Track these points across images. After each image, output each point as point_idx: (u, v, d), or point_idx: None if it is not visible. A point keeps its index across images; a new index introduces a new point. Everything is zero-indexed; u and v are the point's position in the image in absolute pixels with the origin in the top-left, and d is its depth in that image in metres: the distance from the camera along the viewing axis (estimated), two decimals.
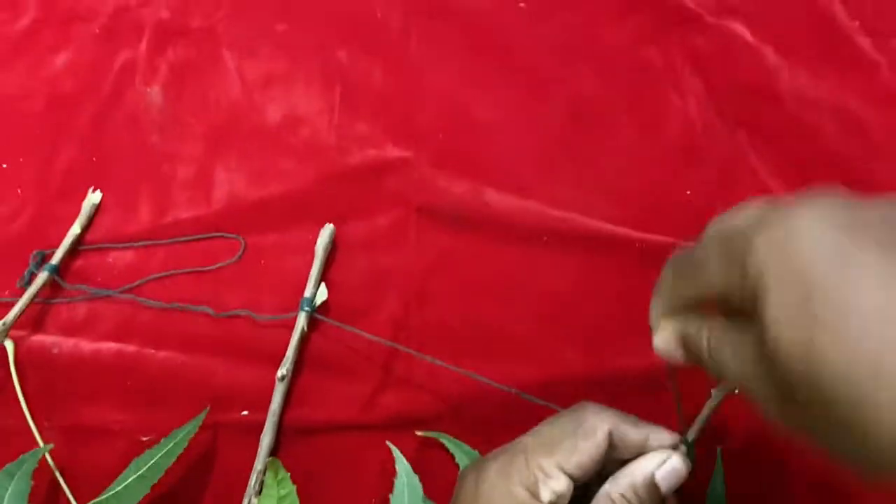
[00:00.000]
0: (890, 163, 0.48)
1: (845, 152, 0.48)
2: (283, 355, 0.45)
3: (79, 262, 0.49)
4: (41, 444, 0.44)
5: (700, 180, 0.48)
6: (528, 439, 0.35)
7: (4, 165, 0.52)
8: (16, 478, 0.40)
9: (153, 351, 0.46)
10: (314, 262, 0.47)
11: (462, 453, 0.43)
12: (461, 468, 0.42)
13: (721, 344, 0.29)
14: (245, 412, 0.45)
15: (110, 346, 0.47)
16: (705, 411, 0.35)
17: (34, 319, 0.47)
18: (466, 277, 0.47)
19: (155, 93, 0.53)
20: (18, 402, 0.45)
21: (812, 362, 0.23)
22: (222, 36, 0.55)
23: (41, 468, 0.43)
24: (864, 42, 0.51)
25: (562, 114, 0.51)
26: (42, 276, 0.47)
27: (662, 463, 0.34)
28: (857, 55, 0.51)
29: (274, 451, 0.43)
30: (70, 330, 0.47)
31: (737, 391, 0.35)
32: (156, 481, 0.39)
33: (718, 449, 0.42)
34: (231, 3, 0.56)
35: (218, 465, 0.44)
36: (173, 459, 0.40)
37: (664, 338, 0.33)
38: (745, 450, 0.43)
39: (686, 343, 0.32)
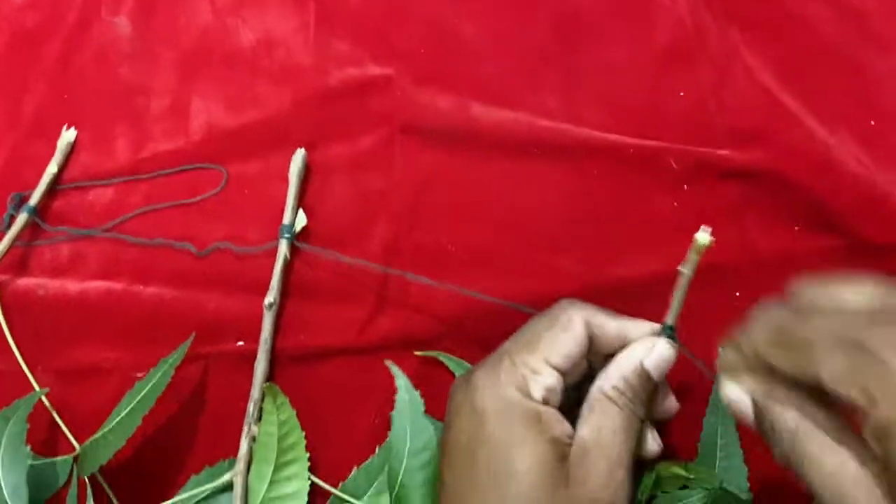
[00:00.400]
0: (889, 54, 0.46)
1: (842, 43, 0.47)
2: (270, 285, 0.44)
3: (58, 203, 0.48)
4: (36, 387, 0.43)
5: (693, 81, 0.47)
6: (509, 343, 0.35)
7: None
8: (11, 422, 0.39)
9: (141, 287, 0.45)
10: (289, 189, 0.46)
11: (462, 370, 0.42)
12: None
13: (812, 443, 0.27)
14: (240, 342, 0.44)
15: (97, 284, 0.46)
16: (678, 293, 0.35)
17: (17, 263, 0.46)
18: (456, 195, 0.46)
19: (122, 23, 0.51)
20: (9, 346, 0.44)
21: None
22: None
23: (39, 410, 0.43)
24: None
25: (547, 21, 0.49)
26: (22, 218, 0.46)
27: (650, 351, 0.34)
28: None
29: (270, 380, 0.43)
30: (55, 271, 0.46)
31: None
32: (146, 412, 0.39)
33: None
34: None
35: (214, 397, 0.44)
36: (162, 389, 0.39)
37: (737, 394, 0.30)
38: None
39: (759, 412, 0.29)
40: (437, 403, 0.41)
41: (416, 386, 0.42)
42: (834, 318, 0.27)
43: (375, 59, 0.49)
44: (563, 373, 0.34)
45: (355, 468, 0.42)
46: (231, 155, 0.48)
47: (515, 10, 0.49)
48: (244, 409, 0.42)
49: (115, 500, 0.41)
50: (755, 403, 0.29)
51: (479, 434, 0.33)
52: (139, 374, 0.43)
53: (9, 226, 0.46)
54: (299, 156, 0.46)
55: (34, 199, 0.46)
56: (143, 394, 0.40)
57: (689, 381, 0.40)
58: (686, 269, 0.35)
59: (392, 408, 0.42)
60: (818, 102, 0.45)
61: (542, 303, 0.41)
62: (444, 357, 0.43)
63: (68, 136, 0.48)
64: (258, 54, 0.50)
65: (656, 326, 0.35)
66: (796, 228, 0.44)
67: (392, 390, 0.43)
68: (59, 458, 0.42)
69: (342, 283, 0.45)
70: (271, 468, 0.40)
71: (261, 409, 0.41)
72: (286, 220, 0.45)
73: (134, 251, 0.46)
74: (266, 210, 0.46)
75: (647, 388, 0.34)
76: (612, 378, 0.34)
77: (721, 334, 0.42)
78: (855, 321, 0.26)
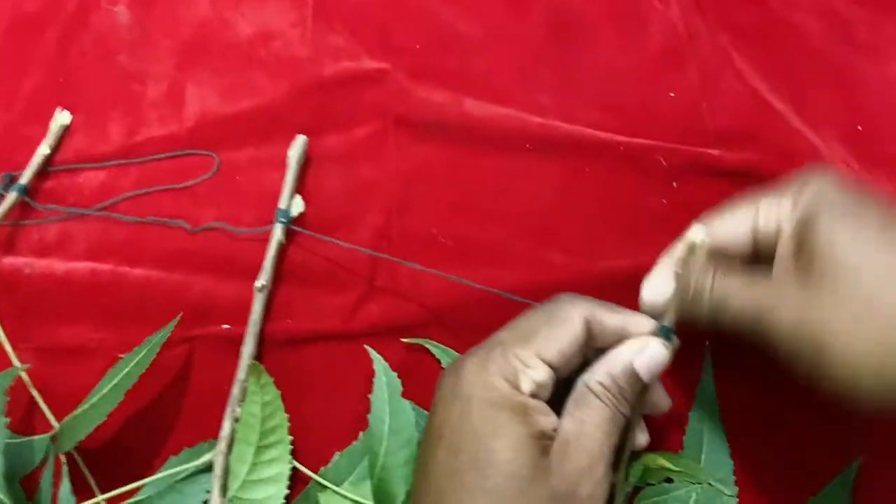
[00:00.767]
0: (875, 61, 0.47)
1: (830, 49, 0.48)
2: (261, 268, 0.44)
3: (49, 184, 0.47)
4: (17, 364, 0.43)
5: (683, 82, 0.47)
6: (503, 333, 0.35)
7: None
8: None
9: (128, 268, 0.45)
10: (287, 173, 0.45)
11: (448, 358, 0.42)
12: None
13: (727, 281, 0.33)
14: (226, 326, 0.44)
15: (84, 265, 0.45)
16: (675, 294, 0.35)
17: (4, 241, 0.46)
18: (447, 187, 0.46)
19: (121, 11, 0.52)
20: None
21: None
22: None
23: (19, 389, 0.42)
24: None
25: (542, 21, 0.50)
26: (11, 197, 0.46)
27: (641, 350, 0.34)
28: None
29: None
30: (42, 251, 0.46)
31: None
32: (128, 388, 0.38)
33: (707, 343, 0.41)
34: None
35: (199, 379, 0.44)
36: (146, 367, 0.39)
37: (660, 281, 0.36)
38: (734, 347, 0.42)
39: (681, 279, 0.35)
40: (424, 390, 0.41)
41: (403, 373, 0.42)
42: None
43: (371, 53, 0.49)
44: (555, 368, 0.34)
45: (337, 454, 0.41)
46: (224, 142, 0.48)
47: (511, 9, 0.50)
48: (228, 394, 0.41)
49: (90, 479, 0.41)
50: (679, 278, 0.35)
51: (464, 421, 0.33)
52: (122, 355, 0.43)
53: None
54: (300, 141, 0.46)
55: (24, 179, 0.46)
56: (124, 372, 0.40)
57: (677, 373, 0.40)
58: (682, 270, 0.35)
59: None
60: (806, 106, 0.46)
61: (529, 293, 0.42)
62: (430, 344, 0.42)
63: (62, 118, 0.48)
64: (255, 46, 0.50)
65: (654, 324, 0.35)
66: None
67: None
68: (36, 437, 0.41)
69: (331, 270, 0.45)
70: (253, 450, 0.40)
71: (244, 391, 0.41)
72: (282, 204, 0.45)
73: (122, 233, 0.46)
74: (257, 197, 0.46)
75: (635, 387, 0.34)
76: (598, 374, 0.34)
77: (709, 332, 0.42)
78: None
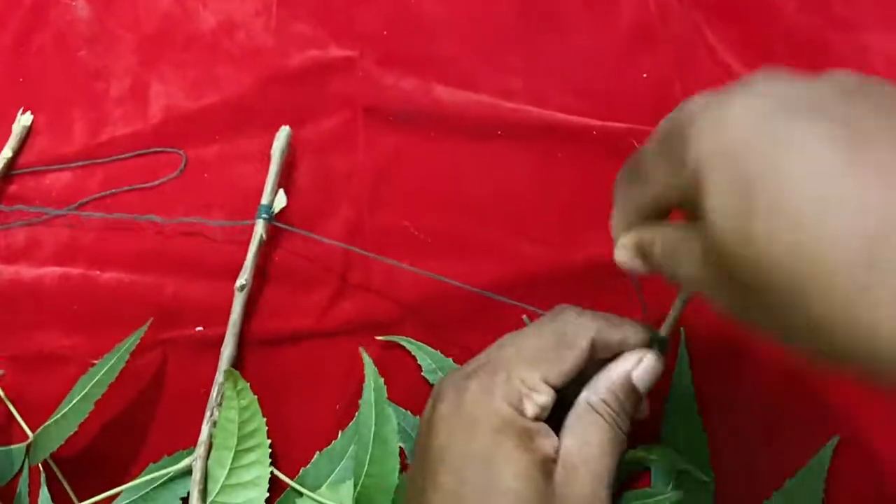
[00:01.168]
0: (850, 36, 0.47)
1: (805, 27, 0.47)
2: (235, 268, 0.43)
3: (13, 188, 0.47)
4: None
5: (656, 63, 0.47)
6: (509, 352, 0.34)
7: None
8: None
9: (98, 272, 0.44)
10: (271, 167, 0.44)
11: (424, 354, 0.42)
12: (424, 371, 0.41)
13: (671, 247, 0.28)
14: (199, 328, 0.43)
15: (53, 270, 0.45)
16: (676, 306, 0.34)
17: None
18: (419, 177, 0.46)
19: (80, 6, 0.50)
20: None
21: (751, 251, 0.22)
22: None
23: None
24: None
25: (510, 3, 0.49)
26: None
27: (637, 364, 0.33)
28: None
29: (235, 364, 0.42)
30: (9, 257, 0.45)
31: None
32: (99, 397, 0.38)
33: (682, 329, 0.41)
34: None
35: (174, 383, 0.43)
36: (116, 374, 0.38)
37: (622, 250, 0.32)
38: (709, 334, 0.42)
39: (643, 251, 0.31)
40: (400, 388, 0.41)
41: (378, 368, 0.41)
42: (664, 124, 0.29)
43: (338, 40, 0.48)
44: (557, 390, 0.33)
45: (317, 453, 0.41)
46: (191, 139, 0.47)
47: None
48: (205, 397, 0.41)
49: (68, 488, 0.40)
50: (638, 248, 0.31)
51: (469, 447, 0.32)
52: (95, 361, 0.42)
53: None
54: (283, 133, 0.45)
55: None
56: (96, 379, 0.39)
57: None
58: (682, 294, 0.34)
59: (354, 392, 0.42)
60: None
61: (505, 288, 0.41)
62: (405, 341, 0.42)
63: (24, 120, 0.47)
64: (219, 37, 0.49)
65: (648, 336, 0.34)
66: None
67: (354, 375, 0.42)
68: (13, 447, 0.41)
69: (304, 267, 0.44)
70: (231, 454, 0.39)
71: (223, 395, 0.40)
72: (265, 199, 0.44)
73: (91, 236, 0.45)
74: (227, 194, 0.46)
75: (633, 401, 0.34)
76: (600, 391, 0.33)
77: (687, 318, 0.42)
78: (676, 120, 0.27)
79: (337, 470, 0.41)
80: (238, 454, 0.39)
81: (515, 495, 0.31)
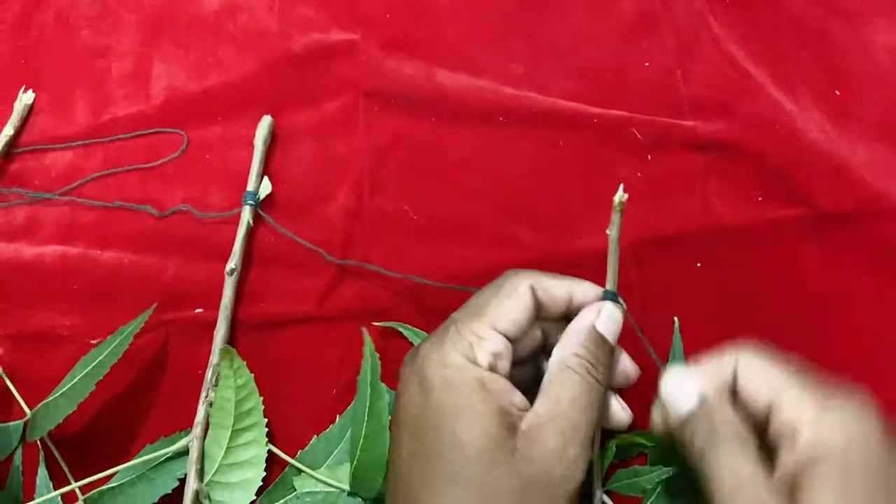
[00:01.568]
0: (854, 25, 0.46)
1: (809, 16, 0.47)
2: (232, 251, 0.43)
3: (14, 166, 0.46)
4: None
5: (659, 51, 0.46)
6: (456, 313, 0.34)
7: None
8: None
9: (98, 252, 0.45)
10: (254, 156, 0.45)
11: (420, 340, 0.42)
12: None
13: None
14: (199, 310, 0.44)
15: (53, 249, 0.45)
16: (611, 256, 0.35)
17: None
18: (419, 161, 0.45)
19: None
20: None
21: None
22: None
23: None
24: None
25: None
26: None
27: (598, 314, 0.34)
28: None
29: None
30: (10, 235, 0.45)
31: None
32: (101, 377, 0.38)
33: (675, 318, 0.41)
34: None
35: (172, 365, 0.43)
36: (119, 356, 0.39)
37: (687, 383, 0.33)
38: (705, 326, 0.42)
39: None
40: (396, 374, 0.41)
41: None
42: None
43: (340, 24, 0.48)
44: (510, 339, 0.33)
45: (315, 437, 0.41)
46: (193, 120, 0.47)
47: None
48: (203, 378, 0.41)
49: (65, 467, 0.41)
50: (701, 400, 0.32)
51: (425, 405, 0.32)
52: (95, 341, 0.42)
53: None
54: (265, 122, 0.45)
55: None
56: (98, 360, 0.39)
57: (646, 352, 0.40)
58: (612, 231, 0.35)
59: (350, 378, 0.42)
60: (783, 72, 0.45)
61: (502, 272, 0.41)
62: (402, 327, 0.42)
63: (26, 98, 0.47)
64: (222, 19, 0.49)
65: (598, 287, 0.35)
66: (759, 199, 0.43)
67: (350, 361, 0.42)
68: (10, 424, 0.41)
69: (304, 252, 0.44)
70: (228, 434, 0.39)
71: (218, 375, 0.40)
72: (250, 186, 0.45)
73: (91, 215, 0.45)
74: (228, 176, 0.46)
75: (605, 352, 0.34)
76: (569, 347, 0.33)
77: (683, 304, 0.42)
78: None
79: (335, 453, 0.41)
80: (235, 433, 0.39)
81: (471, 447, 0.30)
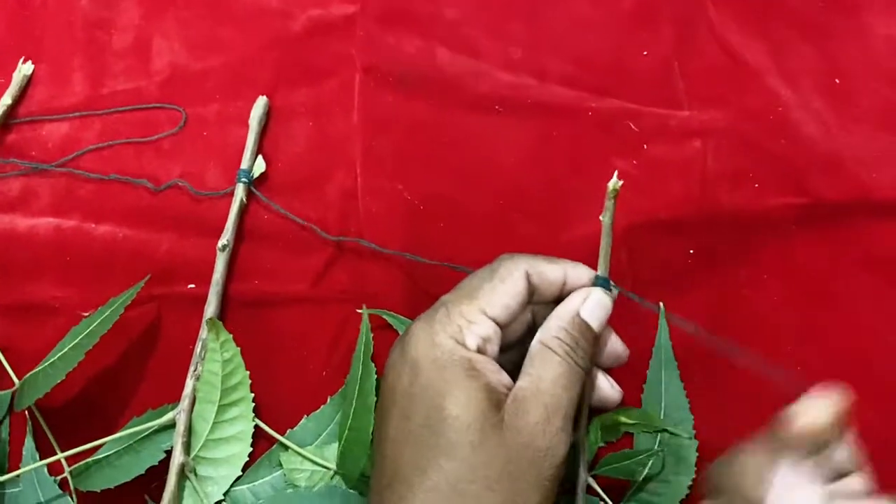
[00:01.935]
0: (851, 16, 0.46)
1: (807, 7, 0.47)
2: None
3: (11, 137, 0.46)
4: None
5: (657, 41, 0.46)
6: (447, 295, 0.35)
7: None
8: None
9: (93, 225, 0.44)
10: (249, 135, 0.45)
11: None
12: None
13: None
14: (191, 285, 0.43)
15: (48, 221, 0.45)
16: (604, 241, 0.35)
17: None
18: (415, 142, 0.45)
19: None
20: None
21: None
22: None
23: None
24: None
25: None
26: None
27: (585, 299, 0.34)
28: None
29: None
30: (4, 206, 0.45)
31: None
32: (90, 348, 0.38)
33: (661, 304, 0.41)
34: None
35: (164, 339, 0.43)
36: (109, 327, 0.39)
37: None
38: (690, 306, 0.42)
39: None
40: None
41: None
42: None
43: None
44: (500, 324, 0.34)
45: (305, 417, 0.41)
46: (192, 96, 0.47)
47: None
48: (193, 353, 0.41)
49: (51, 437, 0.41)
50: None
51: (414, 384, 0.32)
52: (85, 314, 0.42)
53: None
54: (261, 102, 0.45)
55: None
56: (88, 331, 0.39)
57: (635, 332, 0.40)
58: (606, 218, 0.35)
59: (341, 361, 0.42)
60: (782, 61, 0.45)
61: (492, 259, 0.41)
62: (388, 315, 0.42)
63: (25, 69, 0.47)
64: None
65: (591, 271, 0.35)
66: (755, 186, 0.43)
67: (342, 344, 0.43)
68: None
69: (299, 231, 0.44)
70: (215, 408, 0.40)
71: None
72: (244, 164, 0.44)
73: (87, 188, 0.45)
74: (224, 153, 0.46)
75: (588, 338, 0.34)
76: (551, 329, 0.34)
77: (673, 289, 0.42)
78: None
79: (324, 433, 0.41)
80: (221, 408, 0.39)
81: (459, 421, 0.31)
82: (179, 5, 0.49)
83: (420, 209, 0.44)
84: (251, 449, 0.40)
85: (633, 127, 0.44)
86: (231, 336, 0.40)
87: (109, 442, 0.39)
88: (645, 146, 0.44)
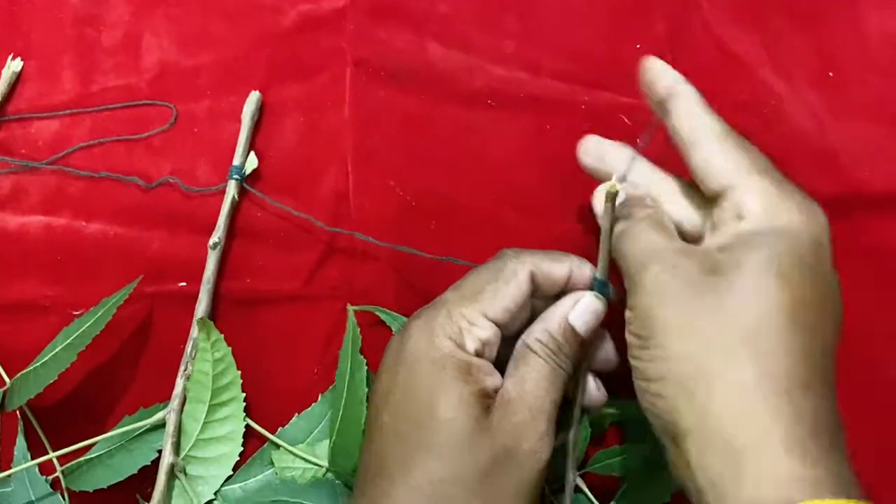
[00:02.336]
0: (846, 9, 0.46)
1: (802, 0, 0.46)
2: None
3: (0, 135, 0.46)
4: None
5: (650, 34, 0.46)
6: (449, 293, 0.34)
7: None
8: None
9: (84, 223, 0.44)
10: (241, 131, 0.44)
11: (399, 325, 0.41)
12: None
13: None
14: (182, 283, 0.43)
15: (38, 219, 0.44)
16: (603, 245, 0.34)
17: None
18: (407, 137, 0.45)
19: None
20: None
21: None
22: None
23: None
24: None
25: None
26: None
27: (574, 304, 0.34)
28: None
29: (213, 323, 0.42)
30: None
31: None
32: (83, 348, 0.38)
33: None
34: None
35: (155, 338, 0.43)
36: (101, 328, 0.38)
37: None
38: None
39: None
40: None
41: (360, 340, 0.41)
42: None
43: None
44: (501, 325, 0.34)
45: (296, 415, 0.41)
46: (182, 93, 0.46)
47: None
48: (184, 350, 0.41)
49: (43, 437, 0.41)
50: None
51: (409, 382, 0.32)
52: (77, 312, 0.42)
53: None
54: (254, 98, 0.45)
55: None
56: (80, 331, 0.39)
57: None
58: (604, 221, 0.34)
59: (333, 359, 0.42)
60: (776, 53, 0.45)
61: (485, 254, 0.41)
62: (380, 311, 0.42)
63: (13, 66, 0.47)
64: None
65: (593, 274, 0.35)
66: None
67: (334, 342, 0.42)
68: None
69: (291, 228, 0.44)
70: (205, 408, 0.40)
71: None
72: (236, 161, 0.44)
73: (77, 186, 0.45)
74: (216, 150, 0.45)
75: (573, 342, 0.34)
76: (535, 331, 0.34)
77: None
78: None
79: (315, 431, 0.41)
80: (212, 408, 0.39)
81: (450, 424, 0.31)
82: (169, 2, 0.48)
83: (412, 204, 0.44)
84: (242, 449, 0.40)
85: (626, 120, 0.44)
86: (222, 336, 0.40)
87: (101, 441, 0.39)
88: (638, 141, 0.44)
